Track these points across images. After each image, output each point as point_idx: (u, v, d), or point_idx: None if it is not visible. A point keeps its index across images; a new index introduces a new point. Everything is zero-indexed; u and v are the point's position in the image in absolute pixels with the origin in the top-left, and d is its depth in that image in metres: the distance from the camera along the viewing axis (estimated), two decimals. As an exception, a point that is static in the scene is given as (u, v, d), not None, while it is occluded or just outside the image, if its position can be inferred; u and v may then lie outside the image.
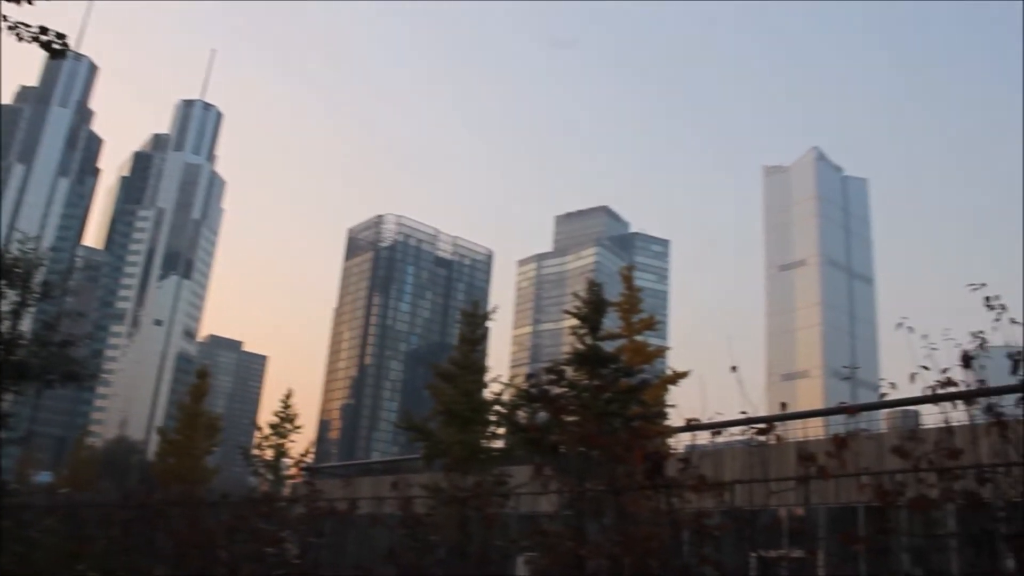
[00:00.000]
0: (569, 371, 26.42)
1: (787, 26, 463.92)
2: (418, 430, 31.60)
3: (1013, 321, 5.68)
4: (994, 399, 5.74)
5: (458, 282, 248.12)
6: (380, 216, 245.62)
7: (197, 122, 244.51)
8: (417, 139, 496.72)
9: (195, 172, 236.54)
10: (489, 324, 34.21)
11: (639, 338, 29.09)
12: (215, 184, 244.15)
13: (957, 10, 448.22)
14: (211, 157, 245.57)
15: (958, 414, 6.47)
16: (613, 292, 32.12)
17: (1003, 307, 5.79)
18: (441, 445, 29.59)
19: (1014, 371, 5.67)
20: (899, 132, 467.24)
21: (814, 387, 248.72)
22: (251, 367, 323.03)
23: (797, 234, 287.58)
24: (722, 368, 6.12)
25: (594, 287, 29.00)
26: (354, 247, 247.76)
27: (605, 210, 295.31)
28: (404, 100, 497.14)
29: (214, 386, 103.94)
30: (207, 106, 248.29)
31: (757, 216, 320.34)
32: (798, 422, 37.79)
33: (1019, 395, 5.52)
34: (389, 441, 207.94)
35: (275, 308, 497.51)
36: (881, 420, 34.64)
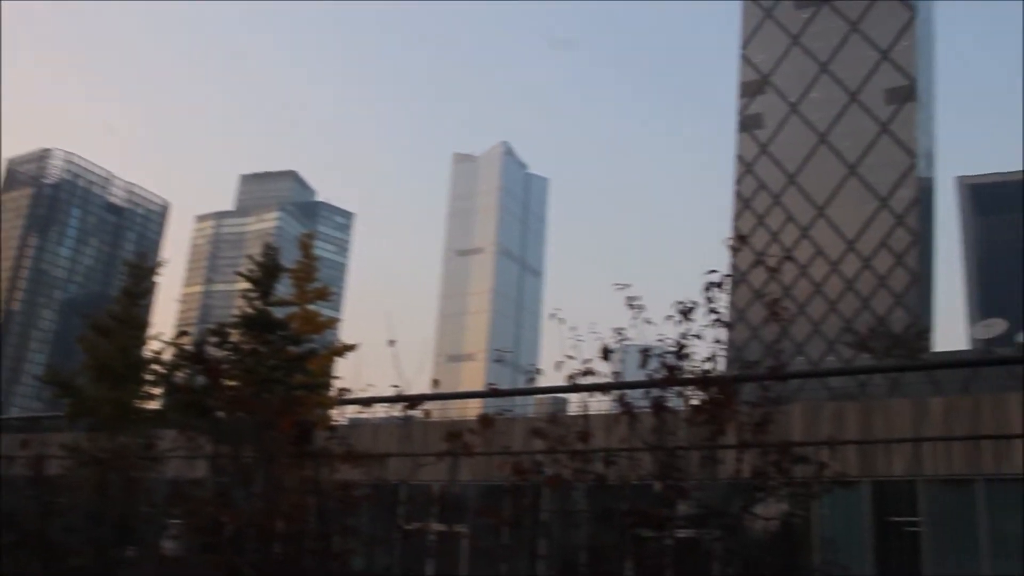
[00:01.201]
0: (235, 335, 25.69)
1: (504, 26, 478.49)
2: (63, 385, 29.30)
3: (648, 321, 6.24)
4: (627, 391, 6.30)
5: (129, 231, 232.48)
6: (47, 150, 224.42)
7: None
8: (103, 75, 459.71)
9: None
10: (157, 279, 32.43)
11: (311, 307, 28.77)
12: None
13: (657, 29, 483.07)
14: None
15: (598, 402, 7.01)
16: (292, 259, 31.53)
17: (642, 307, 6.36)
18: (89, 403, 27.61)
19: (643, 365, 6.25)
20: (587, 139, 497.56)
21: (478, 370, 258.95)
22: None
23: (478, 222, 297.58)
24: (393, 345, 6.21)
25: (270, 250, 28.27)
26: (13, 180, 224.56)
27: (293, 175, 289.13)
28: (94, 31, 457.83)
29: None
30: None
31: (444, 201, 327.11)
32: (459, 403, 39.17)
33: (646, 389, 6.10)
34: (33, 396, 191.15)
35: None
36: (534, 404, 36.74)
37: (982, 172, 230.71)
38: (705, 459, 5.95)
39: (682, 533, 6.38)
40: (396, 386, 6.13)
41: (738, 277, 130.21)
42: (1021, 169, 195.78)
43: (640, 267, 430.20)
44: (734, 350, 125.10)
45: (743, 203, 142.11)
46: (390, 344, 5.93)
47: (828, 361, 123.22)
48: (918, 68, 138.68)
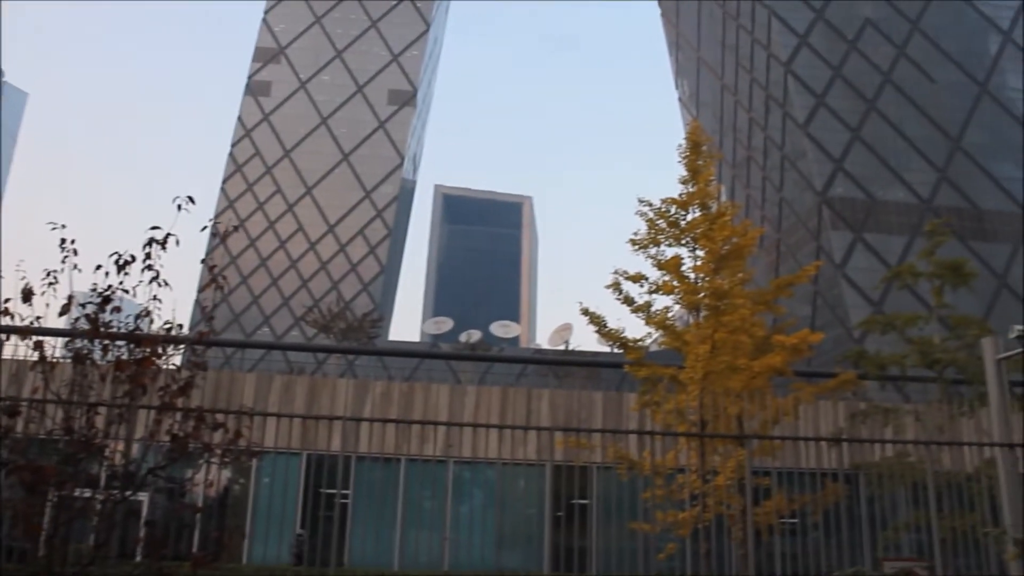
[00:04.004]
0: None
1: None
2: None
3: (76, 267, 5.91)
4: (46, 338, 5.90)
5: None
6: None
7: None
8: None
9: None
10: None
11: None
12: None
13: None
14: None
15: (15, 347, 6.48)
16: None
17: (75, 251, 5.99)
18: None
19: (63, 313, 5.90)
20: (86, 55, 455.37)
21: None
22: None
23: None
24: None
25: None
26: None
27: None
28: None
29: None
30: None
31: None
32: None
33: (67, 339, 5.76)
34: None
35: None
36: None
37: (456, 185, 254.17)
38: (121, 418, 5.77)
39: (110, 495, 6.11)
40: None
41: (215, 242, 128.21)
42: (485, 189, 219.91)
43: (118, 211, 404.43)
44: (200, 311, 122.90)
45: (236, 166, 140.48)
46: None
47: (291, 336, 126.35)
48: (421, 78, 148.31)
